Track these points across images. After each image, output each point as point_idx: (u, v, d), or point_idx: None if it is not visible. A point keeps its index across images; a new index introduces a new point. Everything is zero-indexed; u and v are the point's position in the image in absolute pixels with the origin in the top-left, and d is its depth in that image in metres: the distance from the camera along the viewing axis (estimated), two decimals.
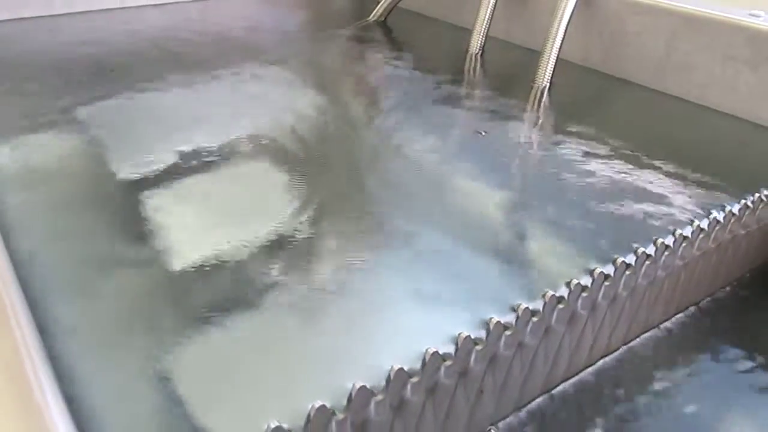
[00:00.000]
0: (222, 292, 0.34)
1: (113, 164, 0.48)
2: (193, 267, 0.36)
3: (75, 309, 0.33)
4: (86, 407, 0.26)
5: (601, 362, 0.42)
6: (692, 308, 0.48)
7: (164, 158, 0.49)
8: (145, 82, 0.64)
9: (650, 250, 0.40)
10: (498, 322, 0.33)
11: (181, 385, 0.28)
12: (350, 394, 0.28)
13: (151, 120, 0.56)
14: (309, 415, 0.27)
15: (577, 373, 0.41)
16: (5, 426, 0.22)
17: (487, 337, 0.32)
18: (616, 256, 0.38)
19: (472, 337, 0.32)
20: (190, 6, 0.95)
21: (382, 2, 0.92)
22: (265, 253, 0.38)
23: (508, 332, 0.33)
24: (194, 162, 0.48)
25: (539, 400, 0.39)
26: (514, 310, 0.34)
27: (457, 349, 0.31)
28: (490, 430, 0.36)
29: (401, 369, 0.29)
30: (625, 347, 0.44)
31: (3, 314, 0.26)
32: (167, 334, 0.31)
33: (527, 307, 0.34)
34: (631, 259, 0.39)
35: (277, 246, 0.38)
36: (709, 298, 0.50)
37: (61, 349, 0.28)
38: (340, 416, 0.27)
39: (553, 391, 0.40)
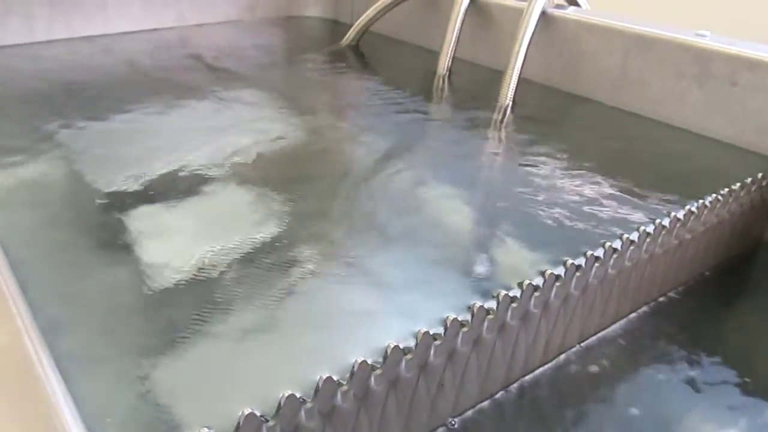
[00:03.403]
0: (200, 299, 0.37)
1: (94, 184, 0.50)
2: (173, 276, 0.39)
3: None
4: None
5: (557, 359, 0.45)
6: (645, 308, 0.51)
7: (144, 178, 0.51)
8: (126, 105, 0.66)
9: (598, 252, 0.43)
10: (455, 319, 0.35)
11: (162, 377, 0.31)
12: (317, 385, 0.30)
13: (132, 142, 0.58)
14: (280, 404, 0.29)
15: (534, 370, 0.44)
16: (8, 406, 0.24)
17: (444, 333, 0.35)
18: (566, 259, 0.42)
19: (431, 333, 0.35)
20: (169, 32, 0.99)
21: (354, 27, 0.95)
22: (241, 262, 0.40)
23: (464, 329, 0.36)
24: (172, 182, 0.51)
25: (499, 394, 0.42)
26: (469, 308, 0.36)
27: (416, 344, 0.34)
28: (451, 421, 0.39)
29: (365, 361, 0.32)
30: (579, 346, 0.47)
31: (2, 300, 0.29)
32: (151, 329, 0.34)
33: (482, 306, 0.37)
34: (580, 261, 0.42)
35: (250, 257, 0.41)
36: (662, 298, 0.53)
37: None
38: (309, 404, 0.30)
39: (511, 386, 0.43)
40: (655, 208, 0.49)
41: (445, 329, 0.35)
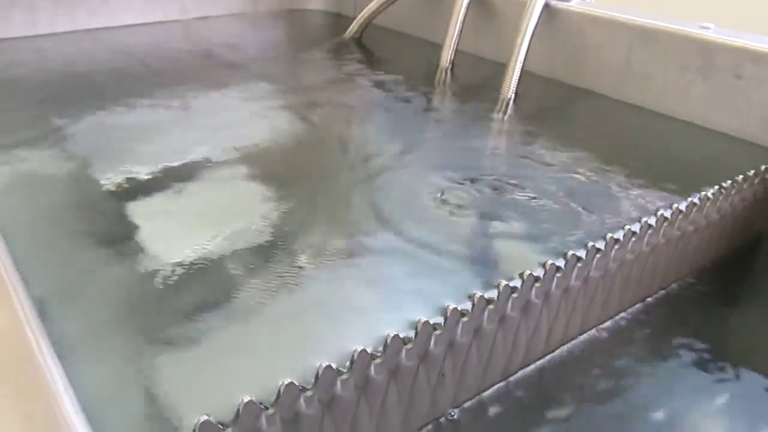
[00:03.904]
0: (200, 289, 0.37)
1: (96, 176, 0.50)
2: (173, 267, 0.39)
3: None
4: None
5: (558, 350, 0.45)
6: (648, 300, 0.51)
7: (146, 171, 0.51)
8: (129, 98, 0.66)
9: (600, 244, 0.43)
10: (455, 308, 0.35)
11: (162, 366, 0.31)
12: (317, 373, 0.30)
13: (134, 135, 0.59)
14: (279, 392, 0.29)
15: (535, 360, 0.44)
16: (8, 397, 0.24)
17: (444, 322, 0.35)
18: (567, 250, 0.42)
19: (431, 322, 0.35)
20: (173, 25, 0.99)
21: (357, 19, 0.95)
22: (242, 253, 0.40)
23: (465, 319, 0.36)
24: (174, 174, 0.51)
25: (500, 385, 0.42)
26: (470, 298, 0.36)
27: (416, 334, 0.34)
28: (451, 413, 0.39)
29: (364, 350, 0.32)
30: (581, 337, 0.47)
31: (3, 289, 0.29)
32: (151, 318, 0.34)
33: (482, 296, 0.37)
34: (581, 252, 0.42)
35: (252, 248, 0.41)
36: (664, 291, 0.53)
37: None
38: (308, 393, 0.30)
39: (512, 377, 0.42)
40: (658, 199, 0.49)
41: (445, 319, 0.35)
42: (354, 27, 0.95)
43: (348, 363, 0.32)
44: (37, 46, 0.85)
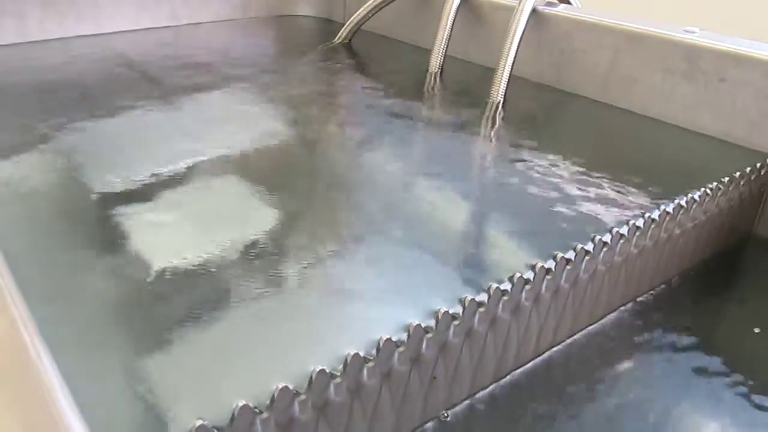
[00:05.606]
0: (193, 293, 0.37)
1: (86, 182, 0.50)
2: (166, 271, 0.39)
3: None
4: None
5: (549, 352, 0.46)
6: (635, 301, 0.52)
7: (137, 177, 0.51)
8: (119, 105, 0.66)
9: (588, 246, 0.44)
10: (446, 312, 0.36)
11: (157, 370, 0.31)
12: (310, 377, 0.31)
13: (125, 141, 0.59)
14: (273, 396, 0.30)
15: (526, 363, 0.44)
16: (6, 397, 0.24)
17: (436, 326, 0.36)
18: (556, 252, 0.42)
19: (423, 326, 0.35)
20: (163, 32, 0.99)
21: (346, 25, 0.96)
22: (233, 257, 0.41)
23: (456, 322, 0.37)
24: (165, 180, 0.51)
25: (491, 387, 0.42)
26: (461, 301, 0.37)
27: (408, 337, 0.34)
28: (444, 414, 0.40)
29: (357, 354, 0.32)
30: (571, 339, 0.47)
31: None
32: (145, 322, 0.34)
33: (473, 299, 0.37)
34: (570, 254, 0.43)
35: (243, 252, 0.42)
36: (652, 292, 0.53)
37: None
38: (302, 397, 0.31)
39: (503, 379, 0.43)
40: (645, 202, 0.50)
41: (437, 322, 0.36)
42: (344, 32, 0.96)
43: (341, 367, 0.32)
44: (27, 54, 0.85)
